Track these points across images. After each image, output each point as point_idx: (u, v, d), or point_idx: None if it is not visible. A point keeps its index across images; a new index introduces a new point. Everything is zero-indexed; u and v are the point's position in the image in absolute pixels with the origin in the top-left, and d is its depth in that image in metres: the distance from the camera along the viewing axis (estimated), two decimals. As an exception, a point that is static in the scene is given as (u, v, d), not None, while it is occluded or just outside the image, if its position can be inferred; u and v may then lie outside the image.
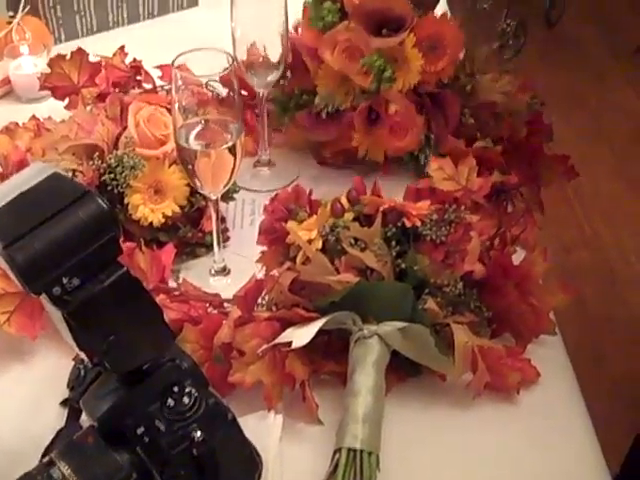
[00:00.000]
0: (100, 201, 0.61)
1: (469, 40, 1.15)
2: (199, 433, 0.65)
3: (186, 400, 0.66)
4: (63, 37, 1.41)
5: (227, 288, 0.91)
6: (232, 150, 0.85)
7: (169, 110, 1.00)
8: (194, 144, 0.85)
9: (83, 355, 0.65)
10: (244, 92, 1.08)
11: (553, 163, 1.05)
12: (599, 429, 0.81)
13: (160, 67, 1.23)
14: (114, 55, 1.19)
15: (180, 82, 0.83)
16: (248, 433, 0.71)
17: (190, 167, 0.86)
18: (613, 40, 3.19)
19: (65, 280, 0.60)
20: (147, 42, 1.39)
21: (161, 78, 1.23)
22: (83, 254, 0.60)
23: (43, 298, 0.61)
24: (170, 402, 0.66)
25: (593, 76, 2.96)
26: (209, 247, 0.98)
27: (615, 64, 3.04)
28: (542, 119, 1.10)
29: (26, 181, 0.62)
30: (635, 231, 2.34)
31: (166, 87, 1.21)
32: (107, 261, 0.62)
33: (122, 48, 1.19)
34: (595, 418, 0.82)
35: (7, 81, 1.29)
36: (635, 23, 3.34)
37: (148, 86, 1.20)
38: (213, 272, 0.96)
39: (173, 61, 0.83)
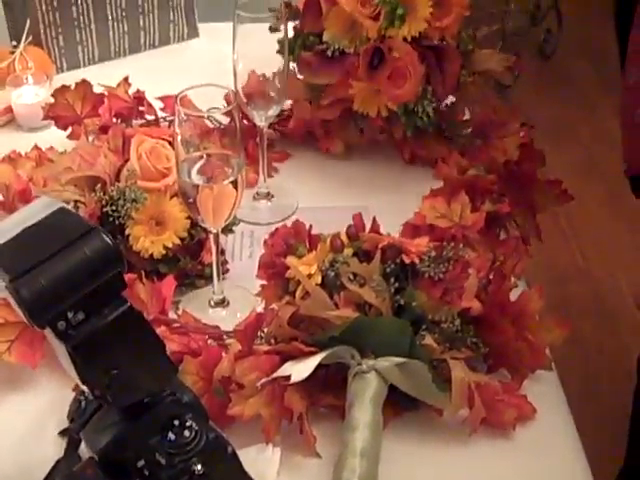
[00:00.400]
0: (106, 237, 0.62)
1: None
2: (199, 467, 0.66)
3: (187, 434, 0.67)
4: (65, 66, 1.43)
5: (226, 319, 0.92)
6: (234, 185, 0.87)
7: (170, 143, 1.01)
8: (196, 178, 0.86)
9: (85, 388, 0.66)
10: (245, 122, 1.09)
11: (546, 188, 1.07)
12: (591, 465, 0.82)
13: (162, 99, 1.25)
14: (118, 85, 1.20)
15: (183, 116, 0.85)
16: (246, 466, 0.71)
17: (191, 201, 0.87)
18: (604, 73, 3.23)
19: (70, 315, 0.60)
20: (148, 72, 1.41)
21: (163, 110, 1.24)
22: (88, 289, 0.61)
23: (47, 332, 0.62)
24: (171, 436, 0.67)
25: (585, 108, 3.00)
26: (208, 279, 0.99)
27: (606, 96, 3.08)
28: (533, 145, 1.13)
29: (32, 215, 0.63)
30: (627, 262, 2.36)
31: (168, 118, 1.23)
32: (111, 296, 0.63)
33: (126, 79, 1.21)
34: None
35: (9, 110, 1.30)
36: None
37: (150, 117, 1.22)
38: (212, 303, 0.96)
39: (177, 96, 0.85)
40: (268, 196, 1.14)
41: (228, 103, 0.91)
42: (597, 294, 2.27)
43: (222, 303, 0.97)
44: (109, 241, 0.62)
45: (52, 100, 1.17)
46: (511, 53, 3.30)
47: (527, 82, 3.16)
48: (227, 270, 1.02)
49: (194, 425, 0.67)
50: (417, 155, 1.20)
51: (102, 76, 1.26)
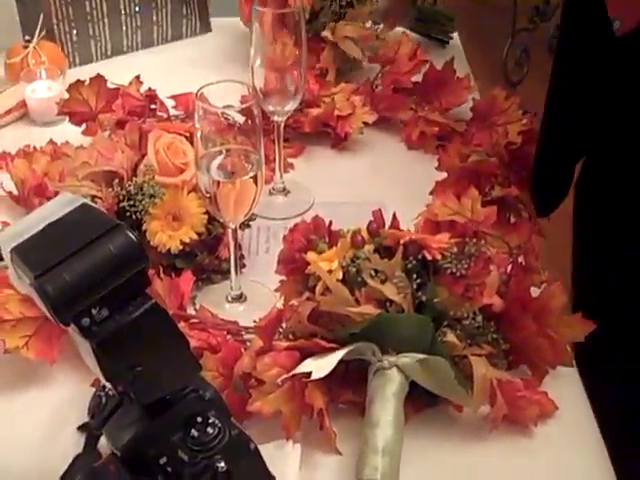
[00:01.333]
0: (130, 234, 0.62)
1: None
2: (222, 464, 0.65)
3: (210, 430, 0.66)
4: (78, 61, 1.43)
5: (243, 315, 0.92)
6: (254, 180, 0.86)
7: (187, 138, 1.01)
8: (215, 174, 0.86)
9: (108, 384, 0.66)
10: (260, 118, 1.08)
11: None
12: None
13: (174, 97, 1.25)
14: (130, 84, 1.20)
15: (201, 113, 0.84)
16: (266, 462, 0.71)
17: (211, 197, 0.87)
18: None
19: (94, 311, 0.60)
20: (161, 67, 1.41)
21: (175, 108, 1.24)
22: (112, 286, 0.60)
23: (71, 329, 0.62)
24: (194, 432, 0.66)
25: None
26: (225, 274, 0.99)
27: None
28: (534, 126, 1.13)
29: (55, 211, 0.63)
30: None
31: (181, 117, 1.23)
32: (136, 293, 0.62)
33: (138, 77, 1.21)
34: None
35: (23, 104, 1.30)
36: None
37: (162, 115, 1.22)
38: (230, 299, 0.96)
39: (197, 92, 0.84)
40: (284, 191, 1.13)
41: (244, 101, 0.91)
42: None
43: (239, 298, 0.96)
44: (134, 238, 0.61)
45: (66, 95, 1.17)
46: (520, 48, 3.31)
47: (536, 77, 3.15)
48: (244, 265, 1.01)
49: (217, 422, 0.67)
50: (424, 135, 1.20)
51: (115, 70, 1.26)
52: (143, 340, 0.62)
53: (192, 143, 0.92)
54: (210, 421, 0.67)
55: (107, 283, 0.60)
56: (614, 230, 1.02)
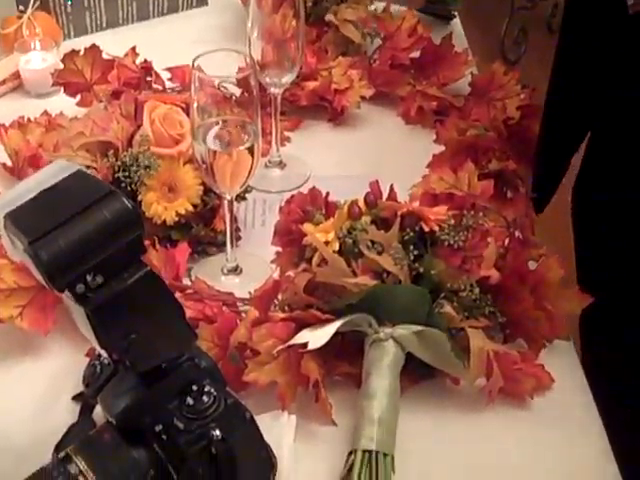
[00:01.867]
0: (125, 200, 0.61)
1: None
2: (218, 432, 0.65)
3: (205, 399, 0.66)
4: (72, 33, 1.41)
5: (239, 287, 0.91)
6: (250, 151, 0.86)
7: (184, 109, 1.00)
8: (212, 144, 0.85)
9: (103, 352, 0.65)
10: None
11: None
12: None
13: (170, 69, 1.24)
14: (125, 55, 1.19)
15: (197, 83, 0.83)
16: (262, 432, 0.71)
17: (207, 167, 0.86)
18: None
19: (89, 278, 0.60)
20: (157, 40, 1.39)
21: (171, 80, 1.23)
22: (107, 252, 0.60)
23: (65, 295, 0.61)
24: (189, 400, 0.66)
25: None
26: (220, 246, 0.98)
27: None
28: (533, 101, 1.12)
29: (50, 178, 0.62)
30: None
31: (177, 89, 1.21)
32: (131, 260, 0.61)
33: (133, 49, 1.20)
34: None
35: (17, 76, 1.29)
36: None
37: (158, 87, 1.20)
38: (225, 271, 0.96)
39: (193, 61, 0.83)
40: (280, 164, 1.13)
41: (240, 82, 0.90)
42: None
43: (235, 270, 0.96)
44: (129, 204, 0.61)
45: (61, 66, 1.16)
46: (518, 27, 3.28)
47: (534, 56, 3.14)
48: (239, 237, 1.01)
49: (212, 390, 0.67)
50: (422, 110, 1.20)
51: (110, 43, 1.25)
52: (138, 307, 0.62)
53: (188, 114, 0.91)
54: (205, 389, 0.67)
55: (102, 249, 0.60)
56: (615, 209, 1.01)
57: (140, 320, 0.62)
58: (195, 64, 0.84)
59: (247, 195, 1.02)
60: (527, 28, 3.10)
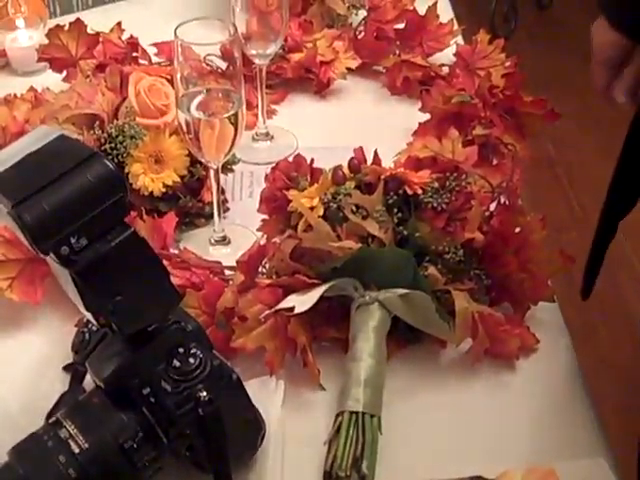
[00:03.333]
0: (108, 163, 0.62)
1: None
2: (205, 393, 0.66)
3: (192, 361, 0.67)
4: (58, 11, 1.41)
5: (227, 257, 0.92)
6: (234, 119, 0.86)
7: (169, 81, 1.00)
8: (196, 113, 0.86)
9: (89, 316, 0.66)
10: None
11: (532, 108, 1.07)
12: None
13: (156, 45, 1.23)
14: (111, 31, 1.19)
15: (181, 53, 0.83)
16: (251, 398, 0.72)
17: (192, 136, 0.86)
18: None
19: (73, 240, 0.60)
20: (143, 18, 1.39)
21: (157, 55, 1.23)
22: (91, 215, 0.60)
23: (50, 258, 0.62)
24: (176, 363, 0.67)
25: (582, 58, 2.96)
26: (208, 218, 0.99)
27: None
28: (517, 70, 1.13)
29: (33, 143, 0.63)
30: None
31: (163, 64, 1.21)
32: (114, 222, 0.62)
33: (119, 24, 1.19)
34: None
35: (3, 54, 1.28)
36: (625, 7, 3.35)
37: (144, 63, 1.20)
38: (213, 242, 0.96)
39: (175, 29, 0.84)
40: (267, 136, 1.13)
41: (226, 52, 0.90)
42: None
43: (223, 241, 0.96)
44: (111, 166, 0.62)
45: (46, 42, 1.16)
46: (508, 3, 3.27)
47: (524, 32, 3.13)
48: (227, 209, 1.01)
49: (199, 353, 0.67)
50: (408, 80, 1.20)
51: (96, 21, 1.24)
52: (122, 269, 0.62)
53: (173, 85, 0.91)
54: (192, 352, 0.67)
55: (85, 212, 0.60)
56: None
57: (125, 282, 0.63)
58: (179, 34, 0.84)
59: (234, 167, 1.02)
60: (517, 5, 3.10)
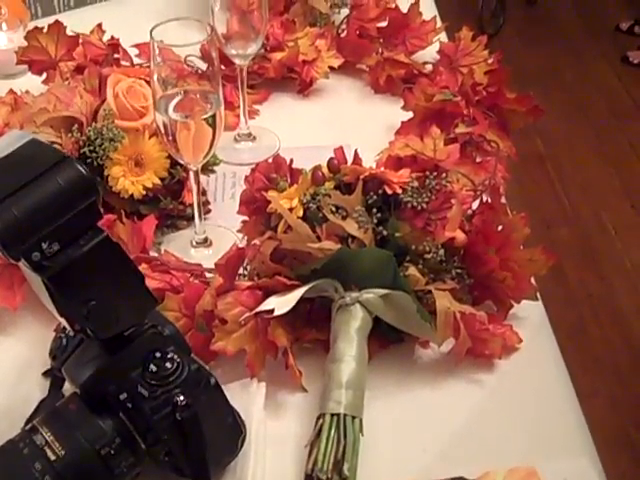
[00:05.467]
0: (79, 166, 0.61)
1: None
2: (182, 398, 0.65)
3: (168, 365, 0.66)
4: (40, 13, 1.40)
5: (208, 259, 0.91)
6: (212, 120, 0.85)
7: (148, 82, 0.99)
8: (173, 114, 0.85)
9: (64, 322, 0.65)
10: (222, 67, 1.07)
11: (516, 104, 1.06)
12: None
13: (137, 46, 1.23)
14: (91, 32, 1.18)
15: (158, 54, 0.83)
16: (231, 401, 0.71)
17: (170, 138, 0.85)
18: (591, 20, 3.20)
19: (44, 245, 0.59)
20: (125, 19, 1.38)
21: (138, 56, 1.22)
22: (62, 219, 0.60)
23: (22, 264, 0.61)
24: (152, 367, 0.66)
25: (570, 53, 2.97)
26: (190, 220, 0.98)
27: (592, 42, 3.05)
28: (500, 66, 1.12)
29: (4, 148, 0.62)
30: (613, 206, 2.35)
31: (145, 65, 1.20)
32: (87, 226, 0.61)
33: (100, 26, 1.19)
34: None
35: (-17, 57, 1.28)
36: (612, 3, 3.36)
37: (126, 64, 1.20)
38: (194, 243, 0.96)
39: (151, 30, 0.83)
40: (250, 137, 1.12)
41: (204, 53, 0.89)
42: (583, 237, 2.27)
43: (204, 243, 0.96)
44: (83, 170, 0.61)
45: (25, 44, 1.15)
46: (495, 0, 3.26)
47: (513, 28, 3.13)
48: (209, 210, 1.01)
49: (175, 357, 0.67)
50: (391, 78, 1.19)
51: (77, 22, 1.23)
52: (96, 273, 0.62)
53: (152, 86, 0.90)
54: (169, 356, 0.67)
55: (57, 216, 0.60)
56: None
57: (99, 286, 0.62)
58: (158, 37, 0.83)
59: (217, 169, 1.02)
60: (505, 1, 3.10)
